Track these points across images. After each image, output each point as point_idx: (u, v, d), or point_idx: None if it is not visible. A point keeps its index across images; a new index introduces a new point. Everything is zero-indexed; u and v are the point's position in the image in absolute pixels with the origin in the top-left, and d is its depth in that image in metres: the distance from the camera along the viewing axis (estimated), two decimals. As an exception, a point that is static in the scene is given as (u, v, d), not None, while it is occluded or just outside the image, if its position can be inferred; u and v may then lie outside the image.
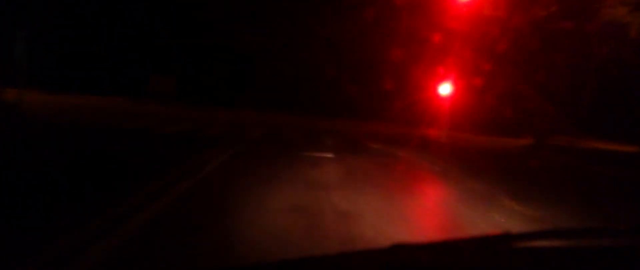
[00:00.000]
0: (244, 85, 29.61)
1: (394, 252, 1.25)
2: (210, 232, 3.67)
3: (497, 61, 12.30)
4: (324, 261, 1.23)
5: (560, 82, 14.23)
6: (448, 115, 13.10)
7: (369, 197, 5.63)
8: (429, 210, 5.79)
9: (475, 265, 1.23)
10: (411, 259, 1.24)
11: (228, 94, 28.26)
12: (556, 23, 12.90)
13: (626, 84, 16.60)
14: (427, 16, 17.97)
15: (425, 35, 16.92)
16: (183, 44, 29.30)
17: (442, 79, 12.48)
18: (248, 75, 29.79)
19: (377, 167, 8.74)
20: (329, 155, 9.61)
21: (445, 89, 12.43)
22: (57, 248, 3.00)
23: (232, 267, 1.70)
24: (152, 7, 28.91)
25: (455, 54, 12.49)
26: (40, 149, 7.40)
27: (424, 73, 16.93)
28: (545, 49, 13.11)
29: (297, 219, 4.26)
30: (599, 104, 19.28)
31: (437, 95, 13.06)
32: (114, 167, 6.34)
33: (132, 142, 9.31)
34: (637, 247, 1.38)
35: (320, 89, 27.92)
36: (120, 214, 3.87)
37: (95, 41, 28.95)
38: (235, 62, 29.84)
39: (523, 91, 13.31)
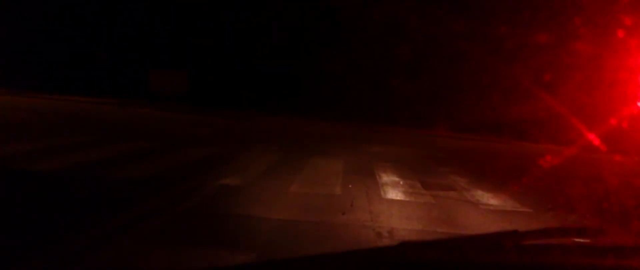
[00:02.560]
0: (278, 86, 22.85)
1: (402, 249, 1.29)
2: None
3: None
4: (333, 259, 1.21)
5: None
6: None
7: None
8: None
9: (482, 262, 1.21)
10: (419, 256, 1.22)
11: (255, 96, 21.79)
12: None
13: None
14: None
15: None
16: (200, 37, 23.19)
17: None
18: (283, 73, 23.03)
19: None
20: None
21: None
22: None
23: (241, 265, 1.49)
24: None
25: None
26: None
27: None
28: None
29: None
30: None
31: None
32: None
33: None
34: None
35: (381, 85, 20.87)
36: None
37: (95, 37, 23.69)
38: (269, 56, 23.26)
39: None
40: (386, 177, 6.78)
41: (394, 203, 5.20)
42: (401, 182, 6.49)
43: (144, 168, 5.96)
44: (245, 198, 4.86)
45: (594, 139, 12.00)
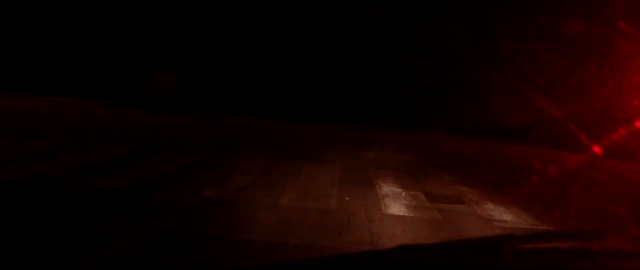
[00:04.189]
0: (275, 87, 22.01)
1: (399, 252, 1.25)
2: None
3: None
4: (330, 261, 1.19)
5: None
6: None
7: None
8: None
9: (479, 266, 1.20)
10: (415, 259, 1.21)
11: (250, 98, 21.00)
12: None
13: None
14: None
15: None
16: (197, 38, 22.45)
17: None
18: (279, 74, 22.22)
19: None
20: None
21: None
22: None
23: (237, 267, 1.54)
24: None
25: None
26: None
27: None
28: None
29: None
30: None
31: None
32: None
33: None
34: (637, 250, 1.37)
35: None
36: None
37: (89, 37, 22.95)
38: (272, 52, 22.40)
39: None
40: (386, 188, 6.17)
41: (396, 220, 4.59)
42: (403, 194, 5.88)
43: (117, 177, 5.32)
44: (226, 215, 4.23)
45: (596, 145, 11.47)
